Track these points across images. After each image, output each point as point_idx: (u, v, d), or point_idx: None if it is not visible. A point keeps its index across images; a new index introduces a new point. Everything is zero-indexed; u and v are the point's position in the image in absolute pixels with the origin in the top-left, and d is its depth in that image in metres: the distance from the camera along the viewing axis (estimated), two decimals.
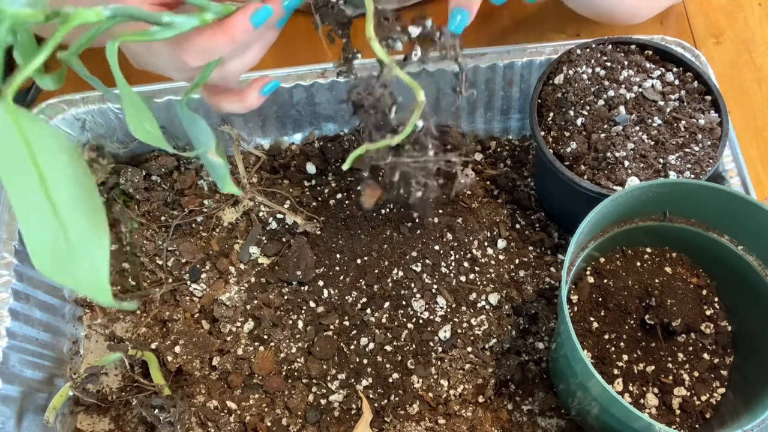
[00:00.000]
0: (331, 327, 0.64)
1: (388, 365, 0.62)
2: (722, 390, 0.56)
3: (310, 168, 0.72)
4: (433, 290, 0.65)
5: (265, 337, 0.64)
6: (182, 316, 0.65)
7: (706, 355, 0.57)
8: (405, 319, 0.64)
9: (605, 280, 0.58)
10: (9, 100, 0.33)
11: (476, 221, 0.68)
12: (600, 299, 0.58)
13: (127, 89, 0.41)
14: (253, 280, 0.67)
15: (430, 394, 0.61)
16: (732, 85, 0.75)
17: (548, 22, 0.80)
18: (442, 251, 0.67)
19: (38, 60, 0.34)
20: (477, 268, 0.66)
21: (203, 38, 0.42)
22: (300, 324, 0.65)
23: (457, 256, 0.66)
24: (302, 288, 0.66)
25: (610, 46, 0.62)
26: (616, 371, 0.56)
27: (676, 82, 0.61)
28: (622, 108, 0.58)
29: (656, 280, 0.58)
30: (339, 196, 0.70)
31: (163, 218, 0.69)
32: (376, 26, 0.43)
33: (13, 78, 0.33)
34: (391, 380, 0.62)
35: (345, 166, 0.44)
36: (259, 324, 0.64)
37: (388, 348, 0.63)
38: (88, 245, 0.32)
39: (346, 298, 0.65)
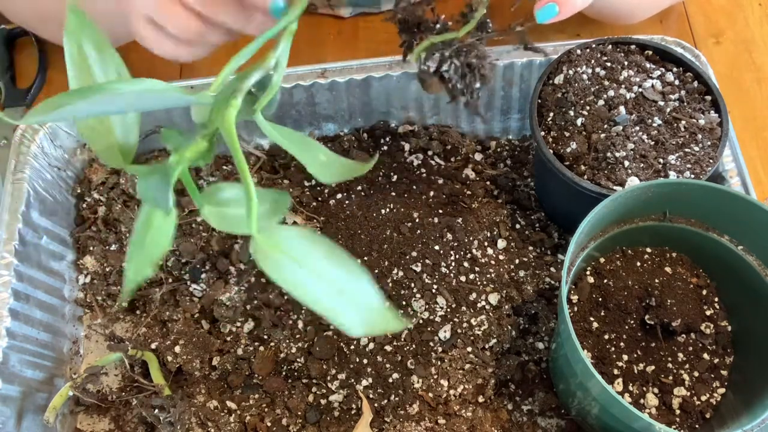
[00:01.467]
0: (331, 327, 0.64)
1: (388, 365, 0.62)
2: (722, 390, 0.56)
3: None
4: (433, 290, 0.65)
5: (265, 337, 0.64)
6: (182, 316, 0.65)
7: (706, 355, 0.57)
8: (405, 319, 0.64)
9: (605, 280, 0.58)
10: (258, 237, 0.38)
11: (476, 221, 0.68)
12: (600, 299, 0.58)
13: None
14: (253, 280, 0.67)
15: (430, 394, 0.61)
16: (732, 85, 0.75)
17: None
18: (442, 251, 0.67)
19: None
20: (477, 268, 0.66)
21: None
22: (300, 324, 0.65)
23: (457, 256, 0.66)
24: None
25: (610, 46, 0.62)
26: (616, 371, 0.56)
27: (676, 82, 0.61)
28: (622, 108, 0.58)
29: (656, 280, 0.58)
30: (339, 196, 0.70)
31: None
32: None
33: (252, 217, 0.37)
34: (391, 380, 0.62)
35: (413, 59, 0.45)
36: (259, 324, 0.64)
37: (388, 348, 0.63)
38: (368, 297, 0.37)
39: None
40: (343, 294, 0.37)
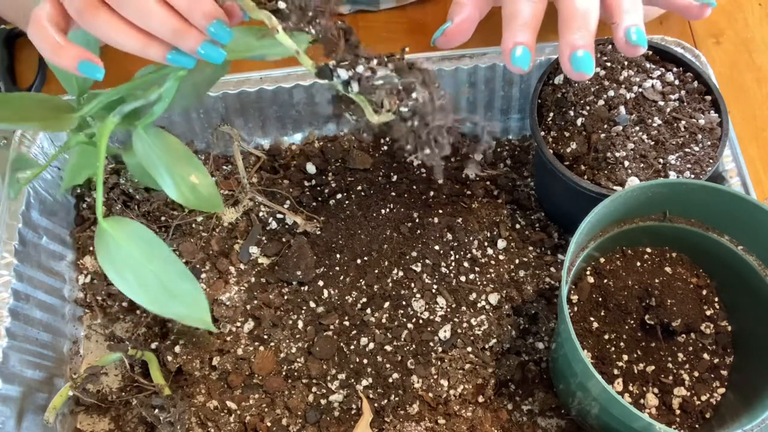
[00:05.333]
0: (331, 327, 0.64)
1: (388, 365, 0.62)
2: (722, 390, 0.56)
3: (310, 168, 0.72)
4: (433, 290, 0.65)
5: (265, 337, 0.64)
6: None
7: (706, 355, 0.57)
8: (405, 319, 0.64)
9: (605, 280, 0.58)
10: (103, 224, 0.45)
11: (476, 221, 0.68)
12: (600, 299, 0.58)
13: None
14: (253, 280, 0.67)
15: (430, 394, 0.61)
16: (732, 85, 0.75)
17: (548, 22, 0.80)
18: (442, 251, 0.67)
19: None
20: (477, 268, 0.66)
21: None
22: (300, 324, 0.65)
23: (457, 256, 0.66)
24: (302, 288, 0.66)
25: (610, 46, 0.62)
26: (616, 371, 0.56)
27: (676, 82, 0.61)
28: (622, 108, 0.58)
29: (656, 280, 0.58)
30: (339, 196, 0.70)
31: (163, 218, 0.69)
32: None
33: (98, 204, 0.45)
34: (391, 380, 0.62)
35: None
36: (259, 324, 0.64)
37: (388, 348, 0.63)
38: (189, 295, 0.45)
39: (346, 298, 0.65)
40: (171, 292, 0.44)
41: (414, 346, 0.63)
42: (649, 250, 0.60)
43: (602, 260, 0.59)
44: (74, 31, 0.45)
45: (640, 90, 0.59)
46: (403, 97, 0.38)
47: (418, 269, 0.66)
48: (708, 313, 0.58)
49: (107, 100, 0.46)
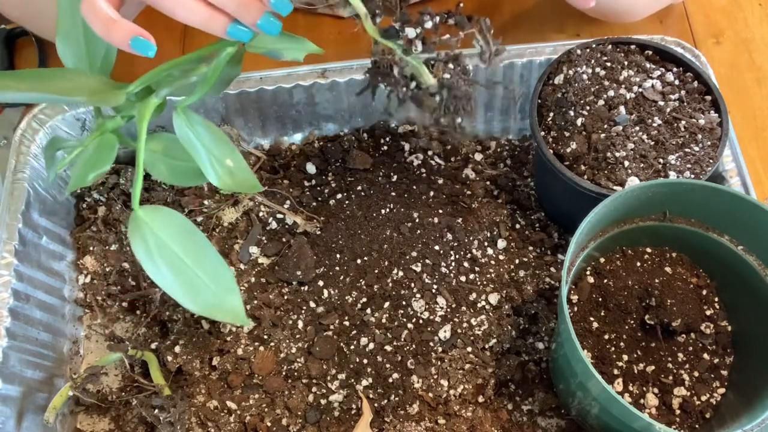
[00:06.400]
0: (331, 327, 0.64)
1: (388, 365, 0.62)
2: (722, 390, 0.57)
3: (310, 168, 0.72)
4: (433, 290, 0.65)
5: (265, 337, 0.64)
6: (182, 316, 0.65)
7: (706, 355, 0.57)
8: (405, 319, 0.64)
9: (605, 280, 0.58)
10: (138, 211, 0.45)
11: (476, 221, 0.68)
12: (600, 299, 0.58)
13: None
14: (253, 280, 0.67)
15: (430, 394, 0.61)
16: (732, 85, 0.75)
17: (548, 22, 0.80)
18: (442, 251, 0.67)
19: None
20: (477, 268, 0.66)
21: None
22: (300, 324, 0.65)
23: (457, 256, 0.66)
24: (302, 288, 0.66)
25: (610, 46, 0.62)
26: (616, 371, 0.56)
27: (676, 82, 0.61)
28: (622, 108, 0.58)
29: (656, 280, 0.58)
30: (339, 196, 0.70)
31: None
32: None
33: (135, 192, 0.45)
34: (391, 380, 0.62)
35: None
36: (259, 324, 0.64)
37: (388, 348, 0.63)
38: (222, 287, 0.45)
39: (346, 298, 0.65)
40: (204, 281, 0.44)
41: (414, 346, 0.63)
42: (649, 250, 0.60)
43: (602, 260, 0.59)
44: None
45: (640, 90, 0.59)
46: (458, 63, 0.42)
47: (418, 269, 0.66)
48: (708, 313, 0.58)
49: (154, 79, 0.46)
